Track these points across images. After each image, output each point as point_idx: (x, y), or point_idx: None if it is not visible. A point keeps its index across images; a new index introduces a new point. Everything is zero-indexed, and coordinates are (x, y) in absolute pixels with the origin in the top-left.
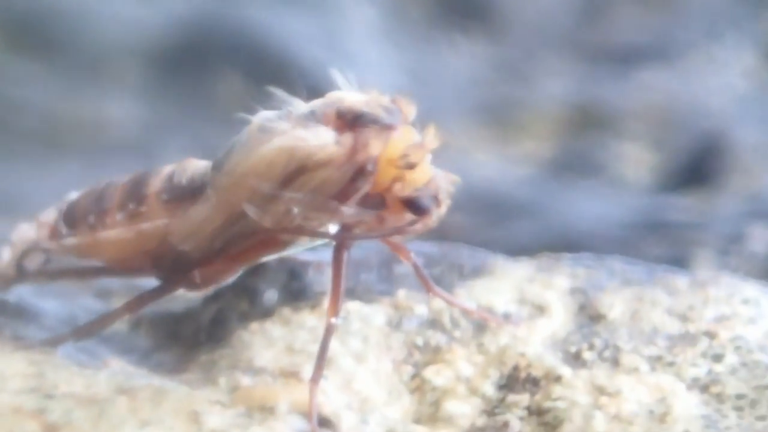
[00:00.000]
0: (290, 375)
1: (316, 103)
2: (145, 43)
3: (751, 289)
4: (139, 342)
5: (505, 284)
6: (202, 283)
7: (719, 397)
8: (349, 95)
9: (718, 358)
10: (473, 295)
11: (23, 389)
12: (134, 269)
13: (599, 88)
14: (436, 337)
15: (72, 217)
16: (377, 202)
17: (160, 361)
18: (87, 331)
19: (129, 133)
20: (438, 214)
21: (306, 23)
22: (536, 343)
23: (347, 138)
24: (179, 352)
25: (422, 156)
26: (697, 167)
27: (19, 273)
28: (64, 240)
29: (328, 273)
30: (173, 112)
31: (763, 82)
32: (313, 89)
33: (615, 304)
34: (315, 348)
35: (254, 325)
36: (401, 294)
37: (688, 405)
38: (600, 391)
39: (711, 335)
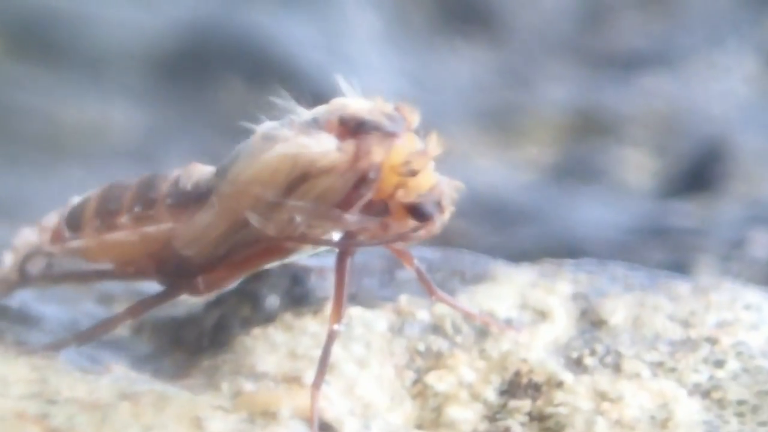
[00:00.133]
0: (293, 380)
1: (319, 110)
2: (147, 48)
3: (752, 294)
4: (142, 347)
5: (507, 290)
6: (205, 289)
7: (721, 403)
8: (352, 102)
9: (719, 363)
10: (475, 300)
11: (26, 394)
12: (137, 273)
13: (601, 94)
14: (438, 343)
15: (76, 220)
16: (381, 208)
17: (163, 367)
18: (89, 336)
19: (131, 137)
20: (441, 220)
21: (308, 28)
22: (538, 348)
23: (349, 145)
24: (182, 358)
25: (425, 163)
26: (699, 173)
27: (22, 277)
28: (68, 242)
29: (331, 278)
30: (175, 117)
31: (765, 87)
32: (315, 94)
33: (617, 310)
34: (317, 353)
35: (257, 331)
36: (403, 299)
37: (689, 411)
38: (602, 396)
39: (713, 341)
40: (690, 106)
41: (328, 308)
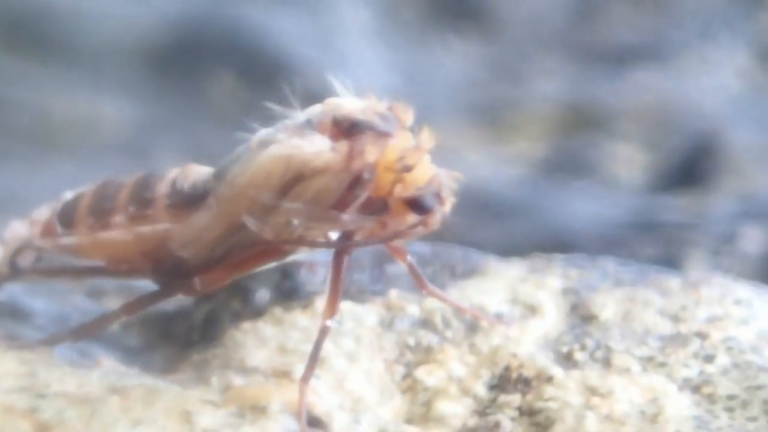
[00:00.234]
0: (282, 375)
1: (313, 111)
2: (138, 43)
3: (743, 289)
4: (132, 341)
5: (497, 284)
6: (201, 289)
7: (711, 398)
8: (345, 102)
9: (709, 358)
10: (465, 295)
11: (15, 388)
12: (131, 271)
13: (592, 88)
14: (428, 338)
15: (69, 216)
16: (380, 206)
17: (153, 361)
18: (85, 332)
19: (122, 132)
20: (442, 212)
21: (299, 23)
22: (528, 343)
23: (343, 146)
24: (171, 352)
25: (418, 158)
26: (690, 168)
27: (12, 271)
28: (61, 239)
29: (321, 273)
30: (166, 111)
31: (757, 82)
32: (306, 89)
33: (607, 305)
34: (307, 348)
35: (246, 325)
36: (393, 294)
37: (679, 406)
38: (592, 391)
39: (703, 336)
40: (682, 101)
41: (318, 303)
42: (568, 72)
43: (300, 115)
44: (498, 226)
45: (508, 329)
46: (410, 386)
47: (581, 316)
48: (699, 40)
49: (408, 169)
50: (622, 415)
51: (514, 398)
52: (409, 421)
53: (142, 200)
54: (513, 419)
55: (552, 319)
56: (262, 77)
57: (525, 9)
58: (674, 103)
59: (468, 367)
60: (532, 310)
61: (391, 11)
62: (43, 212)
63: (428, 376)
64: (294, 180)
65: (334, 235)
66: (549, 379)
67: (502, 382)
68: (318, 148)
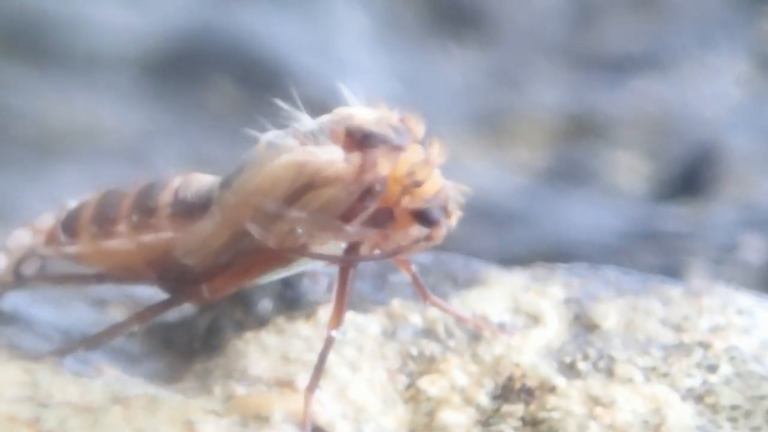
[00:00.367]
0: (285, 384)
1: (324, 120)
2: (137, 51)
3: (745, 299)
4: (135, 350)
5: (499, 294)
6: (210, 296)
7: (714, 408)
8: (358, 112)
9: (712, 368)
10: (467, 304)
11: (18, 398)
12: (135, 279)
13: (592, 97)
14: (431, 347)
15: (72, 225)
16: (385, 215)
17: (155, 370)
18: (95, 342)
19: (122, 140)
20: (448, 225)
21: (298, 30)
22: (531, 352)
23: (356, 157)
24: (174, 361)
25: (428, 173)
26: (691, 176)
27: (17, 279)
28: (64, 247)
29: (323, 282)
30: (166, 119)
31: (757, 90)
32: (306, 97)
33: (609, 314)
34: (310, 357)
35: (249, 334)
36: (396, 303)
37: (682, 415)
38: (595, 401)
39: (705, 345)
40: (682, 109)
41: (321, 312)
42: (569, 80)
43: (310, 122)
44: (499, 235)
45: (510, 339)
46: (413, 396)
47: (584, 325)
48: (699, 48)
49: (418, 184)
50: (625, 424)
51: (517, 408)
52: (412, 430)
53: (144, 209)
54: (516, 429)
55: (554, 328)
56: (262, 85)
57: (525, 17)
58: (674, 111)
59: (471, 377)
60: (534, 319)
61: (390, 18)
62: (47, 220)
63: (431, 385)
64: (304, 188)
65: (342, 245)
66: (552, 389)
67: (505, 392)
68: (332, 157)
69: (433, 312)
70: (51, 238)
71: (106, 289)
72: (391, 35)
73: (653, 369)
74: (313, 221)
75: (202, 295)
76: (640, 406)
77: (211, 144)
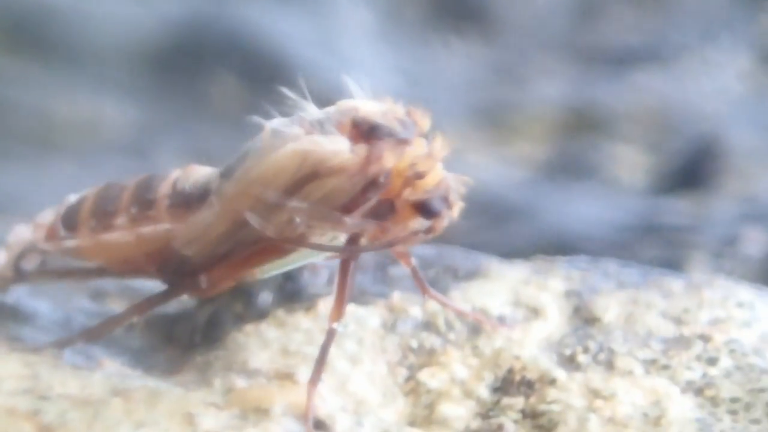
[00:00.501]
0: (285, 377)
1: (330, 110)
2: (139, 44)
3: (745, 292)
4: (134, 343)
5: (499, 287)
6: (208, 287)
7: (714, 401)
8: (364, 104)
9: (712, 361)
10: (468, 297)
11: (18, 390)
12: (135, 271)
13: (594, 90)
14: (431, 340)
15: (72, 220)
16: (387, 207)
17: (155, 363)
18: (96, 334)
19: (123, 133)
20: (449, 216)
21: (301, 24)
22: (531, 345)
23: (361, 148)
24: (174, 354)
25: (431, 166)
26: (692, 170)
27: (17, 274)
28: (64, 241)
29: (323, 275)
30: (168, 112)
31: (758, 84)
32: (308, 91)
33: (610, 307)
34: (310, 350)
35: (249, 327)
36: (396, 296)
37: (682, 408)
38: (595, 394)
39: (705, 338)
40: (683, 103)
41: (321, 305)
42: (570, 74)
43: (316, 111)
44: (500, 228)
45: (510, 332)
46: (413, 388)
47: (584, 318)
48: (700, 42)
49: (420, 176)
50: (625, 417)
51: (517, 401)
52: (411, 423)
53: (143, 201)
54: (516, 422)
55: (555, 321)
56: (264, 79)
57: (526, 11)
58: (676, 105)
59: (471, 370)
60: (534, 312)
61: (392, 13)
62: (48, 216)
63: (431, 378)
64: (308, 177)
65: (342, 237)
66: (552, 382)
67: (505, 385)
68: (337, 147)
69: (434, 305)
70: (51, 233)
71: (106, 281)
72: (394, 29)
73: (653, 362)
74: (313, 212)
75: (200, 285)
76: (640, 399)
77: (213, 138)
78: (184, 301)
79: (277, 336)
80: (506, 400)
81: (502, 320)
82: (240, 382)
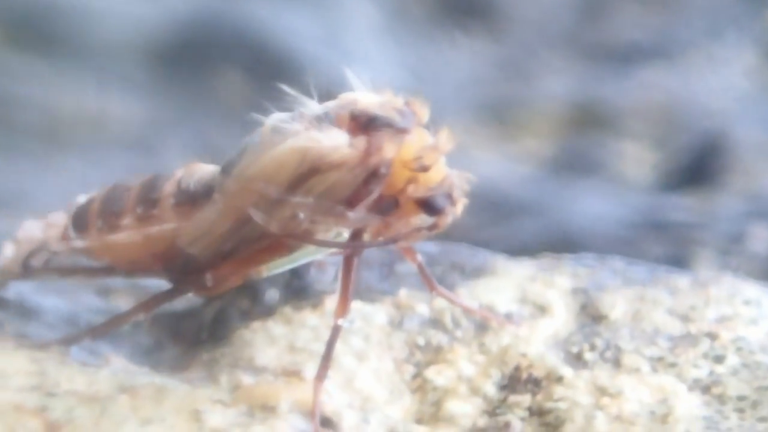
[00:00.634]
0: (292, 374)
1: (330, 105)
2: (146, 40)
3: (752, 289)
4: (141, 340)
5: (506, 284)
6: (214, 286)
7: (721, 398)
8: (363, 97)
9: (719, 359)
10: (474, 294)
11: (25, 387)
12: (142, 271)
13: (600, 87)
14: (438, 337)
15: (82, 220)
16: (390, 203)
17: (162, 359)
18: (102, 330)
19: (130, 129)
20: (454, 213)
21: (307, 20)
22: (538, 343)
23: (361, 141)
24: (181, 351)
25: (436, 159)
26: (698, 166)
27: (25, 270)
28: (74, 241)
29: (330, 272)
30: (174, 108)
31: (764, 81)
32: (314, 86)
33: (616, 304)
34: (316, 347)
35: (256, 324)
36: (403, 293)
37: (689, 406)
38: (601, 391)
39: (712, 336)
40: (689, 100)
41: (328, 302)
42: (576, 70)
43: (316, 107)
44: (506, 225)
45: (517, 329)
46: (420, 386)
47: (591, 315)
48: (706, 39)
49: (425, 169)
50: (632, 415)
51: (524, 398)
52: (418, 420)
53: (148, 201)
54: (523, 419)
55: (561, 318)
56: (270, 75)
57: (533, 7)
58: (682, 101)
59: (478, 367)
60: (541, 309)
61: (398, 9)
62: (60, 217)
63: (438, 375)
64: (308, 173)
65: (346, 234)
66: (559, 379)
67: (512, 382)
68: (336, 142)
69: (440, 302)
70: (66, 234)
71: (114, 279)
72: (399, 26)
73: (660, 359)
74: (316, 207)
75: (206, 283)
76: (647, 397)
77: (219, 134)
78: (191, 297)
79: (284, 333)
80: (513, 398)
81: (509, 317)
82: (247, 379)
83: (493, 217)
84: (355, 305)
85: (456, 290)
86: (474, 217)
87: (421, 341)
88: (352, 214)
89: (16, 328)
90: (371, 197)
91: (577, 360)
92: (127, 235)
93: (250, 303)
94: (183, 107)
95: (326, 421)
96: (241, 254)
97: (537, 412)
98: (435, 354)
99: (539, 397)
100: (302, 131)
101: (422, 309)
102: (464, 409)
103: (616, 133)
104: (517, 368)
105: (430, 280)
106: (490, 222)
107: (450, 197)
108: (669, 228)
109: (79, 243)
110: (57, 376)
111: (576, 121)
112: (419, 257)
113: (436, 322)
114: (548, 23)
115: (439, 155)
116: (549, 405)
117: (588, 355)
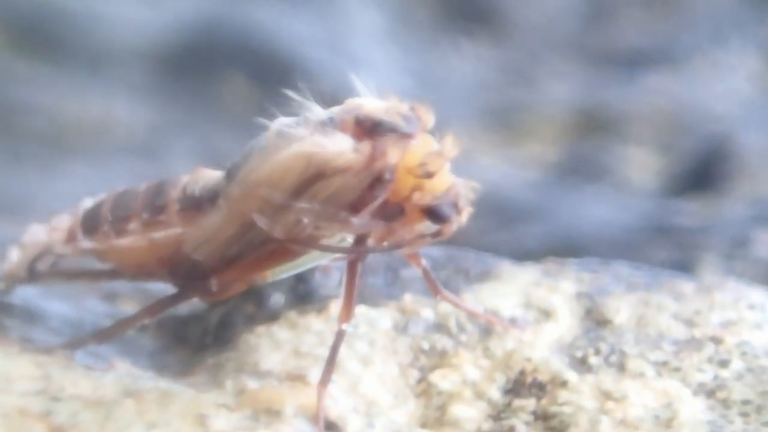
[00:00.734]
0: (297, 378)
1: (335, 110)
2: (151, 45)
3: (756, 294)
4: (146, 344)
5: (511, 288)
6: (219, 291)
7: (725, 403)
8: (368, 102)
9: (724, 363)
10: (479, 299)
11: (29, 391)
12: (148, 275)
13: (605, 92)
14: (443, 341)
15: (92, 222)
16: (396, 210)
17: (167, 364)
18: (107, 335)
19: (135, 135)
20: (458, 221)
21: (311, 26)
22: (542, 347)
23: (365, 146)
24: (186, 355)
25: (441, 165)
26: (703, 171)
27: (31, 275)
28: (82, 242)
29: (335, 276)
30: (179, 114)
31: None
32: (319, 92)
33: (621, 309)
34: (321, 351)
35: (261, 329)
36: (407, 298)
37: (694, 410)
38: (606, 396)
39: (717, 340)
40: (694, 105)
41: (333, 306)
42: (581, 75)
43: (321, 112)
44: (511, 230)
45: (522, 333)
46: (424, 390)
47: (595, 320)
48: (711, 44)
49: (430, 175)
50: (636, 419)
51: (529, 402)
52: (423, 425)
53: (154, 206)
54: (527, 423)
55: (566, 323)
56: (275, 80)
57: (537, 12)
58: (686, 106)
59: (482, 371)
60: (546, 314)
61: (403, 14)
62: (64, 219)
63: (442, 380)
64: (313, 178)
65: (350, 239)
66: (563, 384)
67: (517, 387)
68: (341, 147)
69: (445, 307)
70: (70, 237)
71: (117, 283)
72: (404, 31)
73: (665, 364)
74: (320, 212)
75: (211, 289)
76: (651, 401)
77: (223, 139)
78: (196, 302)
79: (289, 337)
80: (518, 402)
81: (513, 322)
82: (251, 384)
83: (497, 221)
84: (360, 310)
85: (461, 295)
86: (479, 222)
87: (425, 346)
88: (356, 220)
89: (21, 332)
90: (376, 203)
91: (581, 364)
92: (133, 240)
93: (255, 308)
94: (188, 112)
95: (331, 426)
96: (246, 259)
97: (542, 417)
98: (440, 358)
99: (544, 401)
100: (307, 136)
101: (427, 313)
102: (469, 413)
103: (620, 138)
104: (522, 372)
105: (435, 284)
106: (495, 227)
107: (455, 206)
108: (674, 233)
109: (86, 244)
110: (62, 381)
111: (581, 126)
112: (424, 262)
113: (440, 327)
114: (553, 29)
115: (444, 161)
116: (553, 409)
117: (593, 360)
